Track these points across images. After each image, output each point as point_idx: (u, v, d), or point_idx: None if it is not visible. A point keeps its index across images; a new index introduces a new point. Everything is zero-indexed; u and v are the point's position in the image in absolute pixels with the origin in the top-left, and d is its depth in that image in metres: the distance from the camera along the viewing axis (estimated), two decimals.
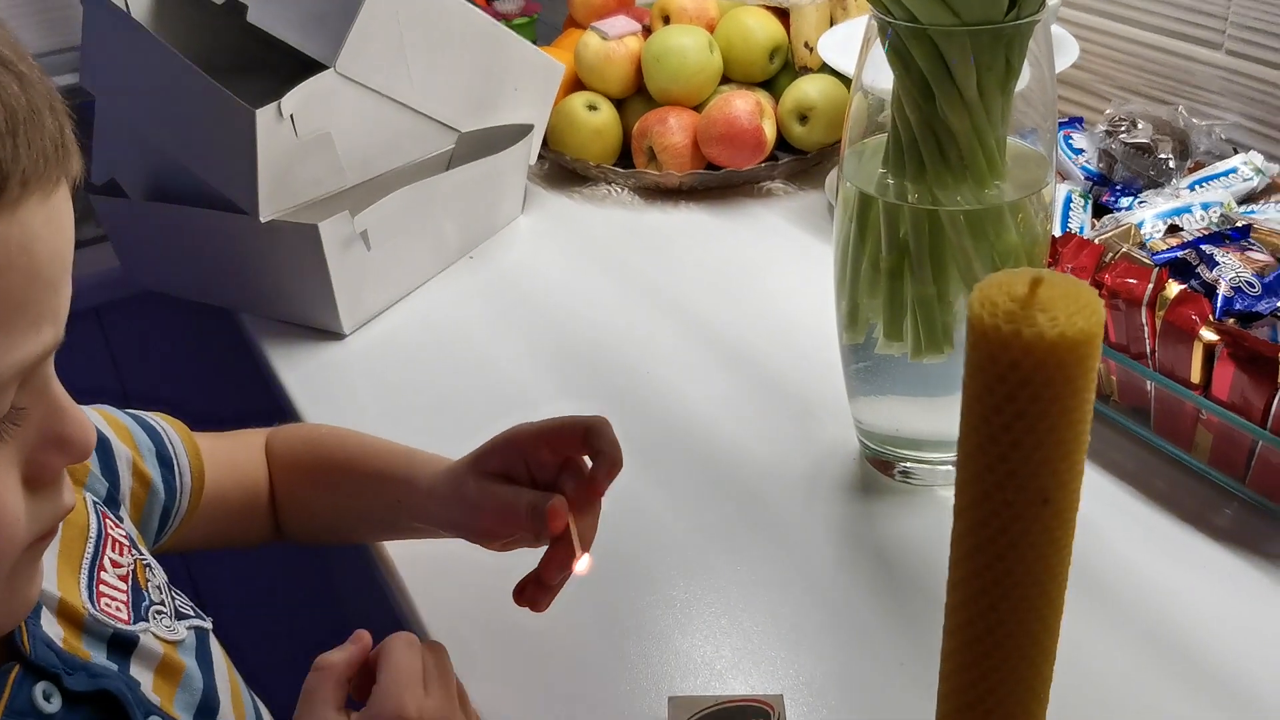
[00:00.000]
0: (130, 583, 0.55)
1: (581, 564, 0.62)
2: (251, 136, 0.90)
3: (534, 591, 0.63)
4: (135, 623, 0.54)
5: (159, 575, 0.59)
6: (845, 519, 0.78)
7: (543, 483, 0.64)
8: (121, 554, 0.56)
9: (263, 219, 0.94)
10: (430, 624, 0.71)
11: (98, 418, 0.64)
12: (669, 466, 0.83)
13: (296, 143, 0.94)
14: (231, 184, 0.95)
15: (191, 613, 0.59)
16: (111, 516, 0.59)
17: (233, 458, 0.74)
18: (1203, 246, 0.79)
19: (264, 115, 0.90)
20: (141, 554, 0.58)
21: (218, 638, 0.60)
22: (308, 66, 0.95)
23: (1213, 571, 0.72)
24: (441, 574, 0.74)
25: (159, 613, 0.56)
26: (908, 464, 0.80)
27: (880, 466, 0.81)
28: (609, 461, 0.62)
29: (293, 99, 0.92)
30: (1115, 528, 0.76)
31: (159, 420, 0.69)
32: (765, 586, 0.73)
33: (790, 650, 0.68)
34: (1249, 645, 0.67)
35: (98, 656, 0.51)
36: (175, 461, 0.68)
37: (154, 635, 0.54)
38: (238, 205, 0.95)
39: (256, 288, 1.02)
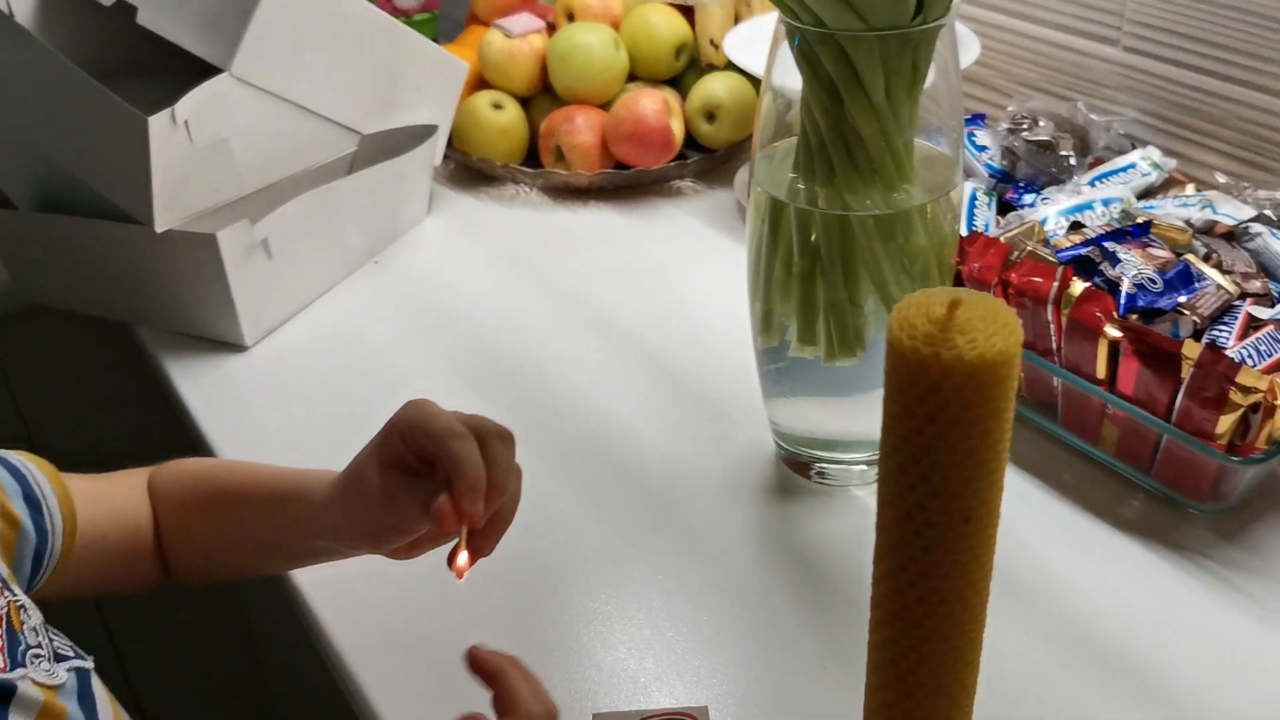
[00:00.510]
0: (4, 627, 0.53)
1: (460, 560, 0.58)
2: (144, 144, 0.87)
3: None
4: (12, 669, 0.51)
5: (35, 616, 0.56)
6: (764, 522, 0.78)
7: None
8: None
9: (158, 229, 0.91)
10: (344, 648, 0.69)
11: None
12: (584, 473, 0.83)
13: (192, 149, 0.91)
14: (125, 194, 0.91)
15: (71, 653, 0.57)
16: None
17: (111, 499, 0.70)
18: (1105, 244, 0.81)
19: (157, 122, 0.87)
20: (15, 595, 0.56)
21: (123, 673, 0.58)
22: (204, 69, 0.92)
23: (1120, 562, 0.74)
24: (353, 596, 0.73)
25: (36, 656, 0.54)
26: (824, 465, 0.80)
27: (797, 468, 0.82)
28: (463, 492, 0.57)
29: (187, 104, 0.89)
30: (1024, 521, 0.77)
31: (22, 459, 0.66)
32: (686, 594, 0.72)
33: (714, 659, 0.68)
34: (1157, 633, 0.69)
35: None
36: (44, 503, 0.64)
37: (33, 681, 0.52)
38: (132, 215, 0.92)
39: (154, 300, 0.98)
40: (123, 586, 0.72)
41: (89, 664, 0.57)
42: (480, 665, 0.55)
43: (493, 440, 0.59)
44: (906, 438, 0.36)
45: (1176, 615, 0.70)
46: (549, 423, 0.88)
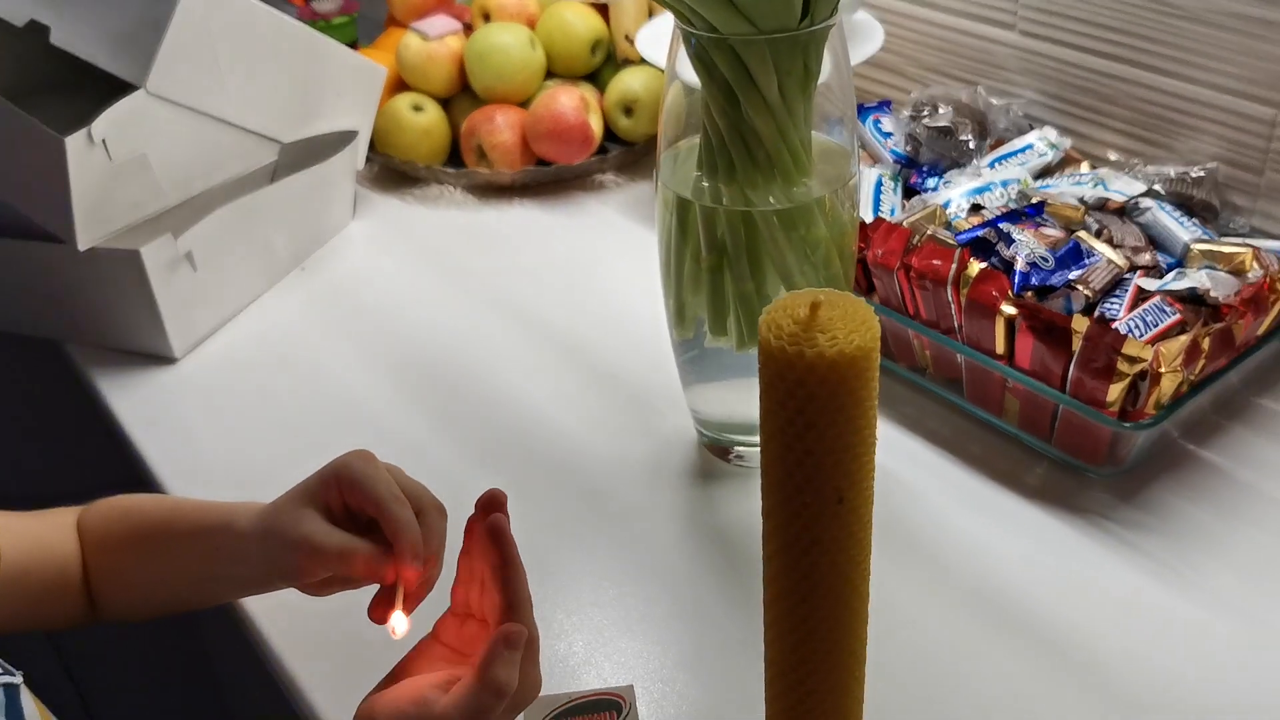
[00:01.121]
0: None
1: (398, 623, 0.59)
2: (63, 165, 0.88)
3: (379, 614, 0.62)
4: None
5: None
6: (687, 505, 0.81)
7: (364, 525, 0.62)
8: None
9: (81, 248, 0.92)
10: (283, 653, 0.72)
11: None
12: (512, 467, 0.85)
13: (111, 167, 0.92)
14: (46, 213, 0.92)
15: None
16: None
17: (38, 536, 0.70)
18: (1001, 225, 0.85)
19: (74, 142, 0.87)
20: None
21: (72, 683, 0.59)
22: (119, 86, 0.93)
23: (1026, 526, 0.78)
24: (287, 606, 0.75)
25: None
26: (742, 448, 0.83)
27: (717, 452, 0.85)
28: (405, 554, 0.59)
29: (104, 123, 0.89)
30: (934, 491, 0.81)
31: None
32: (613, 579, 0.75)
33: (639, 640, 0.71)
34: (1062, 594, 0.72)
35: None
36: None
37: None
38: (55, 234, 0.93)
39: (82, 317, 0.99)
40: (45, 623, 0.72)
41: (18, 678, 0.58)
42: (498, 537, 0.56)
43: (431, 513, 0.61)
44: (780, 429, 0.39)
45: (1079, 574, 0.74)
46: (477, 417, 0.90)
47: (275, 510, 0.64)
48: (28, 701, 0.58)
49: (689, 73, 0.72)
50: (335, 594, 0.65)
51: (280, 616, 0.74)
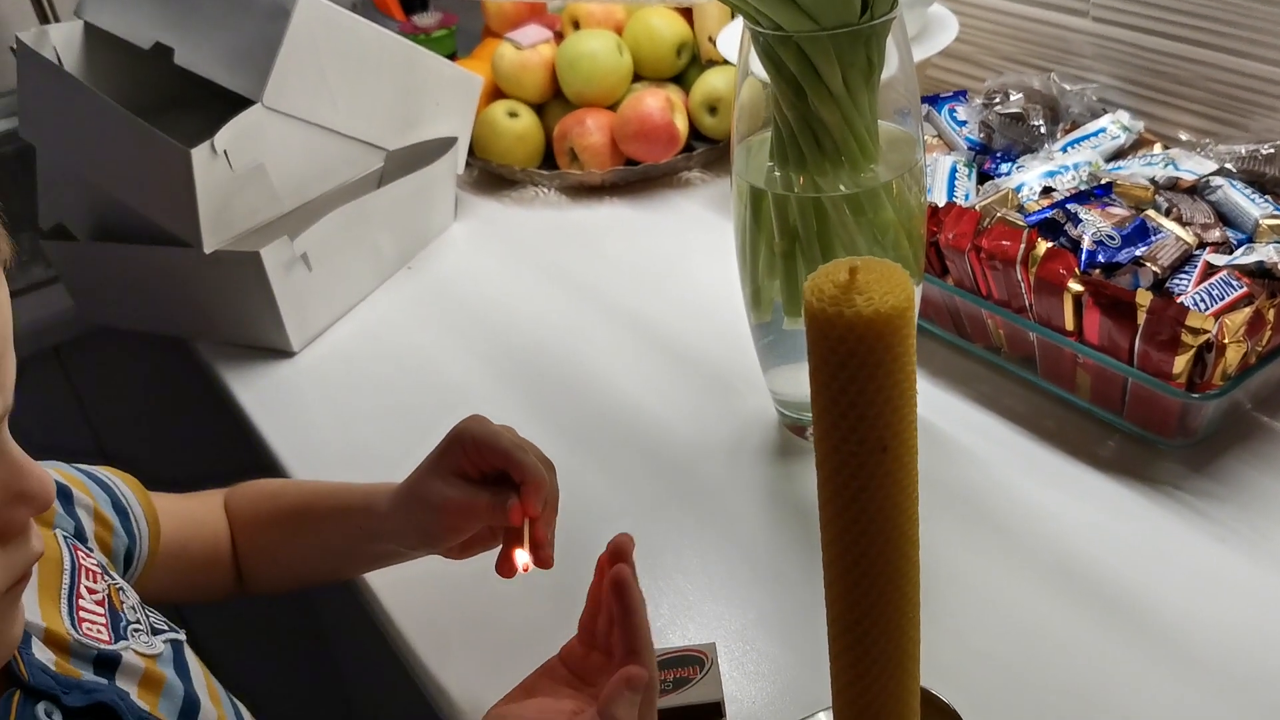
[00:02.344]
0: (107, 606, 0.61)
1: (521, 558, 0.67)
2: (189, 174, 0.95)
3: (504, 557, 0.69)
4: (116, 641, 0.59)
5: (132, 597, 0.64)
6: (766, 481, 0.85)
7: (492, 480, 0.68)
8: (95, 581, 0.62)
9: (207, 250, 1.00)
10: (402, 624, 0.77)
11: (53, 473, 0.67)
12: (605, 450, 0.90)
13: (232, 176, 0.99)
14: (174, 220, 1.00)
15: (166, 628, 0.64)
16: (82, 548, 0.64)
17: (192, 514, 0.78)
18: (1069, 205, 0.87)
19: (199, 154, 0.95)
20: (114, 579, 0.64)
21: (193, 648, 0.66)
22: (237, 102, 1.01)
23: (1099, 498, 0.80)
24: (412, 577, 0.81)
25: (137, 630, 0.61)
26: None
27: (796, 431, 0.89)
28: (531, 493, 0.66)
29: (225, 135, 0.97)
30: (1009, 465, 0.83)
31: (108, 474, 0.73)
32: (697, 549, 0.80)
33: (721, 604, 0.75)
34: (1134, 563, 0.75)
35: (87, 674, 0.57)
36: (130, 510, 0.72)
37: (134, 651, 0.60)
38: (182, 239, 1.01)
39: (206, 315, 1.08)
40: (202, 594, 0.80)
41: (181, 635, 0.65)
42: (621, 590, 0.59)
43: (542, 466, 0.68)
44: (826, 384, 0.43)
45: (1152, 544, 0.76)
46: (571, 401, 0.96)
47: (412, 484, 0.70)
48: (190, 656, 0.64)
49: (760, 69, 0.76)
50: (475, 555, 0.72)
51: (402, 593, 0.80)
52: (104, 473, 0.73)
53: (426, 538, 0.71)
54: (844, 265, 0.42)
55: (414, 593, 0.79)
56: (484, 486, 0.68)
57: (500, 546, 0.69)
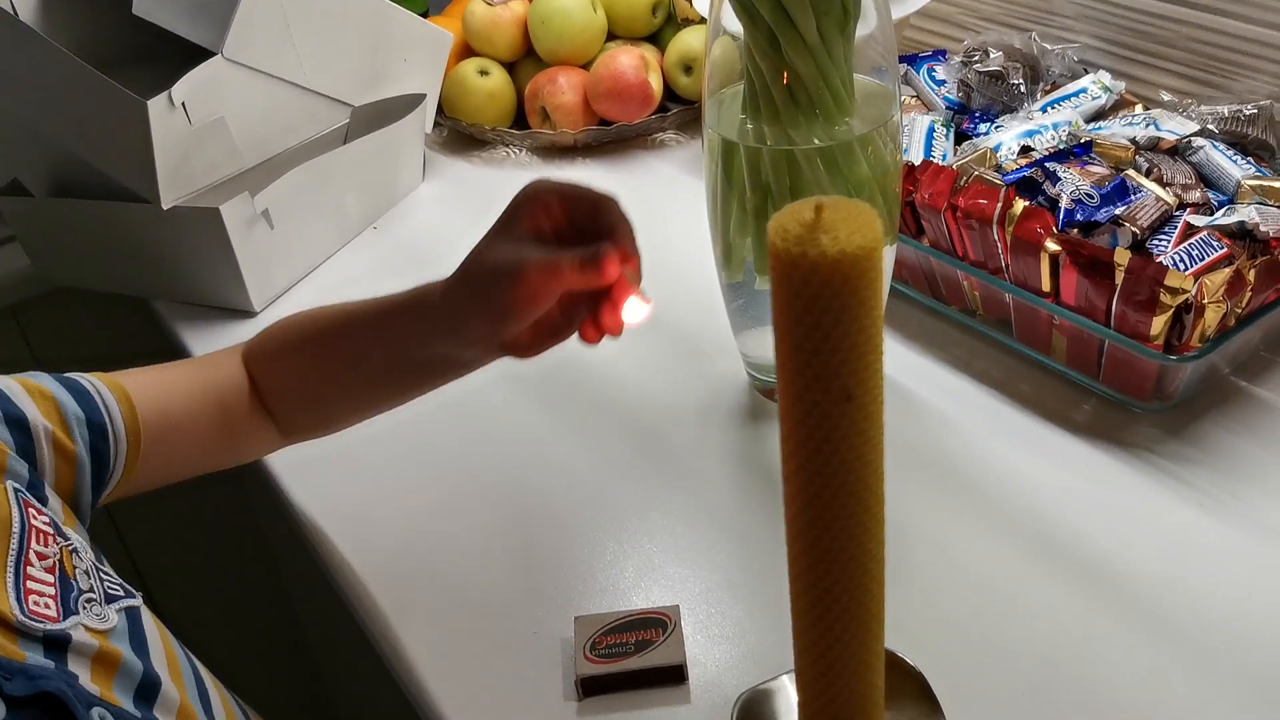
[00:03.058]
0: (58, 574, 0.55)
1: (640, 311, 0.60)
2: (146, 127, 0.93)
3: (606, 318, 0.62)
4: (65, 618, 0.54)
5: (86, 559, 0.58)
6: (736, 444, 0.84)
7: (568, 243, 0.61)
8: (46, 544, 0.56)
9: (165, 206, 0.97)
10: (365, 577, 0.75)
11: (16, 387, 0.62)
12: (573, 413, 0.88)
13: (191, 130, 0.96)
14: (131, 175, 0.97)
15: (121, 592, 0.59)
16: (34, 503, 0.58)
17: (190, 382, 0.71)
18: (1047, 164, 0.85)
19: (156, 105, 0.92)
20: (67, 539, 0.58)
21: (151, 609, 0.61)
22: (197, 53, 0.98)
23: (1075, 462, 0.79)
24: (366, 535, 0.79)
25: (90, 600, 0.56)
26: None
27: (767, 394, 0.87)
28: (627, 236, 0.59)
29: (183, 87, 0.94)
30: (985, 431, 0.82)
31: (92, 381, 0.67)
32: (664, 511, 0.78)
33: (687, 566, 0.73)
34: (1110, 527, 0.73)
35: (34, 656, 0.52)
36: (109, 426, 0.65)
37: (85, 628, 0.54)
38: (140, 195, 0.98)
39: (166, 273, 1.05)
40: (221, 461, 0.73)
41: (138, 600, 0.59)
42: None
43: (612, 206, 0.62)
44: (789, 329, 0.41)
45: (1127, 509, 0.75)
46: (540, 367, 0.93)
47: (476, 256, 0.62)
48: (148, 621, 0.59)
49: (733, 23, 0.74)
50: (546, 350, 0.66)
51: (341, 522, 0.78)
52: (89, 380, 0.67)
53: (496, 319, 0.61)
54: (810, 204, 0.40)
55: (375, 554, 0.77)
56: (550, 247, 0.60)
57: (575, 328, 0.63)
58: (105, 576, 0.59)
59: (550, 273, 0.58)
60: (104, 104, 0.95)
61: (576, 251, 0.58)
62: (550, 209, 0.60)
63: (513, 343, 0.64)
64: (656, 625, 0.67)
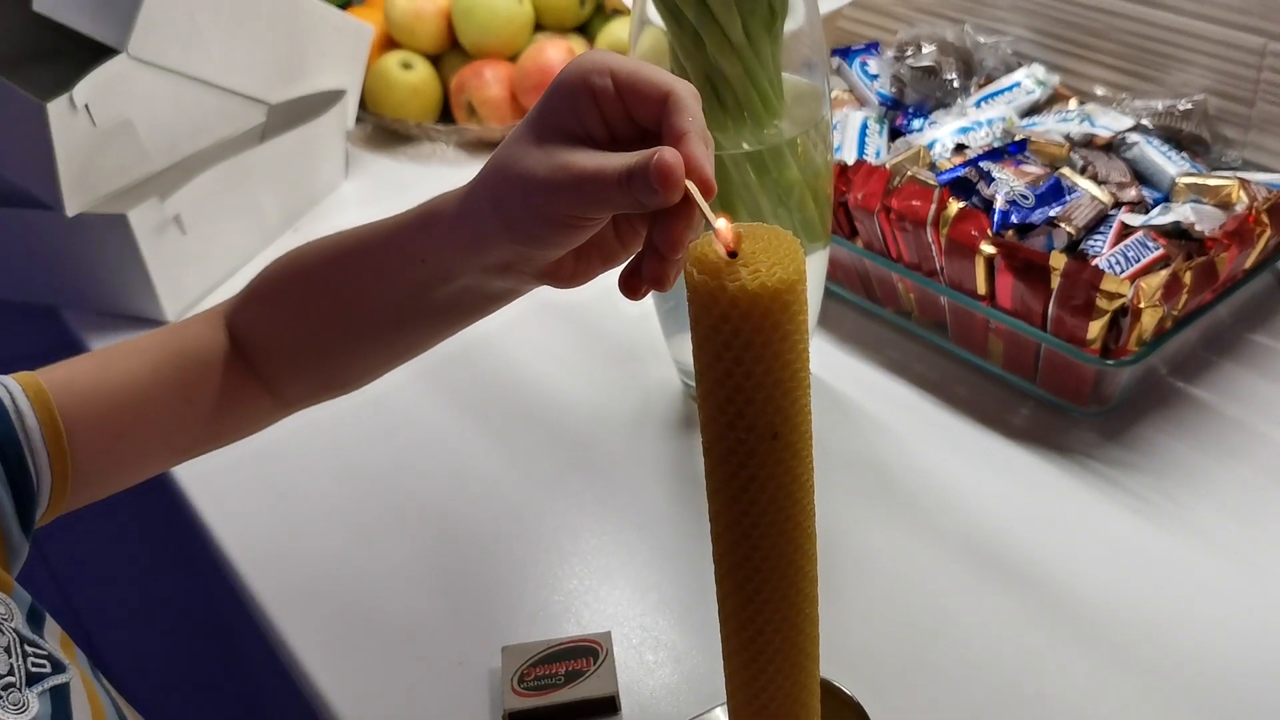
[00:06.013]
0: None
1: (723, 234, 0.39)
2: (45, 131, 0.88)
3: (653, 269, 0.44)
4: None
5: (7, 631, 0.49)
6: (671, 454, 0.81)
7: (623, 141, 0.46)
8: None
9: (69, 213, 0.92)
10: (277, 617, 0.72)
11: None
12: (500, 422, 0.85)
13: (95, 132, 0.92)
14: (33, 180, 0.93)
15: (48, 667, 0.50)
16: None
17: (158, 356, 0.59)
18: (981, 163, 0.83)
19: (56, 107, 0.88)
20: None
21: (85, 649, 0.54)
22: (102, 51, 0.93)
23: (1011, 468, 0.77)
24: (276, 548, 0.76)
25: (7, 687, 0.48)
26: None
27: None
28: (697, 140, 0.43)
29: (85, 88, 0.90)
30: (921, 436, 0.80)
31: (7, 386, 0.56)
32: (595, 530, 0.75)
33: (619, 588, 0.71)
34: (1047, 534, 0.72)
35: None
36: (26, 444, 0.54)
37: None
38: (44, 201, 0.93)
39: (74, 283, 1.00)
40: (208, 442, 0.61)
41: (67, 675, 0.50)
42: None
43: (689, 97, 0.46)
44: (710, 364, 0.39)
45: (1065, 516, 0.74)
46: (467, 373, 0.91)
47: (499, 159, 0.48)
48: (79, 700, 0.50)
49: (658, 17, 0.71)
50: (594, 278, 0.54)
51: (251, 545, 0.75)
52: (3, 385, 0.56)
53: (524, 243, 0.48)
54: (729, 233, 0.38)
55: (289, 578, 0.74)
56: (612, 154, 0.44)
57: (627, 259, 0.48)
58: (30, 649, 0.50)
59: (596, 187, 0.44)
60: (1, 106, 0.90)
61: (627, 159, 0.43)
62: (603, 98, 0.45)
63: (552, 270, 0.51)
64: (587, 654, 0.64)
